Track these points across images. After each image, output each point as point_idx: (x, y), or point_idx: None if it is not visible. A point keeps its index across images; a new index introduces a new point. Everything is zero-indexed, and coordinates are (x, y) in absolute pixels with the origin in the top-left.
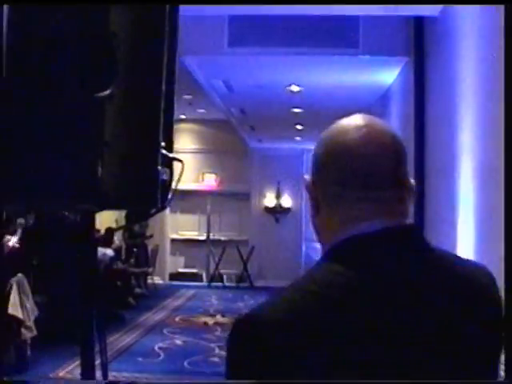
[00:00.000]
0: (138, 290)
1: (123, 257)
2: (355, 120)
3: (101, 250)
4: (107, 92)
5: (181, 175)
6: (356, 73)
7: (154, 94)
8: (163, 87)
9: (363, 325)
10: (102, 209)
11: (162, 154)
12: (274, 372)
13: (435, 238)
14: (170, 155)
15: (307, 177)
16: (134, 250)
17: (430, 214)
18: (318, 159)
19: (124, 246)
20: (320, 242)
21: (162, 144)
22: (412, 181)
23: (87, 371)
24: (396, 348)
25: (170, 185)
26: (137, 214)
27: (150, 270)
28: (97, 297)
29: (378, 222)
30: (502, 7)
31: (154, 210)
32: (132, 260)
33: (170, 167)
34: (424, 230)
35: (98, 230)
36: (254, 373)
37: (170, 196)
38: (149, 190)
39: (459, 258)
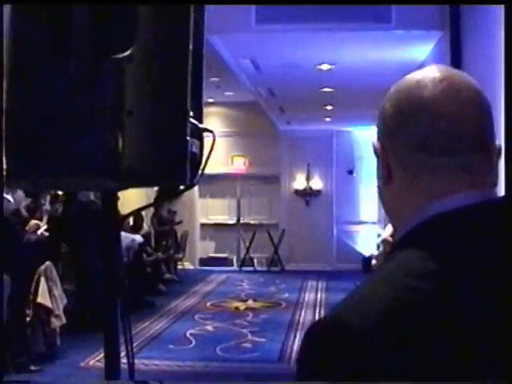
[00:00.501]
0: (167, 276)
1: (153, 243)
2: (431, 72)
3: (129, 236)
4: (127, 53)
5: (212, 147)
6: (388, 49)
7: (181, 55)
8: (190, 47)
9: (468, 323)
10: (124, 186)
11: (191, 124)
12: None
13: None
14: (200, 126)
15: (375, 141)
16: (163, 236)
17: None
18: (389, 119)
19: (153, 233)
20: (390, 216)
21: (191, 113)
22: (498, 143)
23: (111, 362)
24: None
25: (200, 158)
26: (165, 192)
27: (180, 255)
28: (121, 285)
29: (469, 195)
30: None
31: (183, 187)
32: (162, 247)
33: (201, 139)
34: None
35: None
36: None
37: (200, 171)
38: (177, 164)
39: None
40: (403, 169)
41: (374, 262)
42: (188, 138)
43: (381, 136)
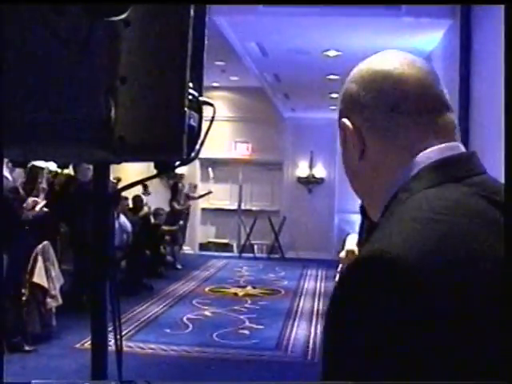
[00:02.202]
0: (169, 258)
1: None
2: (384, 52)
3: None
4: (123, 16)
5: (212, 121)
6: (397, 36)
7: (181, 21)
8: (192, 13)
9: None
10: (116, 159)
11: (190, 96)
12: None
13: None
14: (200, 98)
15: (345, 119)
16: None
17: None
18: (357, 94)
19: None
20: (369, 192)
21: (190, 85)
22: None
23: (98, 348)
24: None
25: (198, 132)
26: (160, 166)
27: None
28: (111, 267)
29: (445, 147)
30: None
31: (178, 162)
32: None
33: (200, 112)
34: None
35: (126, 198)
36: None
37: (198, 147)
38: (173, 137)
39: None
40: (379, 135)
41: (337, 276)
42: (186, 109)
43: (350, 114)
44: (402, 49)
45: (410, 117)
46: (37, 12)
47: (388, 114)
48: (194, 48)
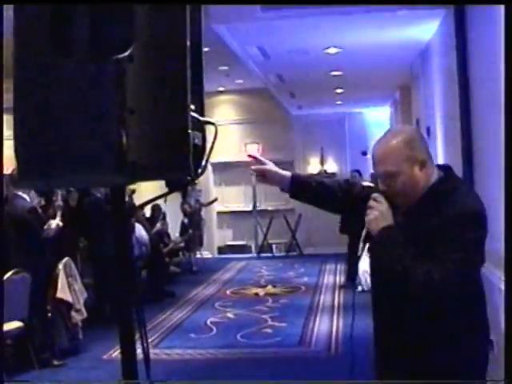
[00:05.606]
0: (179, 259)
1: (177, 233)
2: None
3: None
4: (127, 53)
5: (215, 139)
6: (394, 29)
7: (179, 51)
8: (188, 42)
9: None
10: (131, 181)
11: (193, 118)
12: None
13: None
14: (202, 118)
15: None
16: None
17: (478, 169)
18: (412, 149)
19: (181, 220)
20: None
21: (192, 107)
22: None
23: (127, 358)
24: None
25: (203, 150)
26: (172, 184)
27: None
28: (133, 278)
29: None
30: None
31: (188, 179)
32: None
33: (203, 131)
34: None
35: (142, 208)
36: None
37: (204, 163)
38: (180, 157)
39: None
40: (422, 164)
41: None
42: (189, 131)
43: (411, 157)
44: (400, 41)
45: (430, 158)
46: (48, 57)
47: (425, 155)
48: (193, 73)
